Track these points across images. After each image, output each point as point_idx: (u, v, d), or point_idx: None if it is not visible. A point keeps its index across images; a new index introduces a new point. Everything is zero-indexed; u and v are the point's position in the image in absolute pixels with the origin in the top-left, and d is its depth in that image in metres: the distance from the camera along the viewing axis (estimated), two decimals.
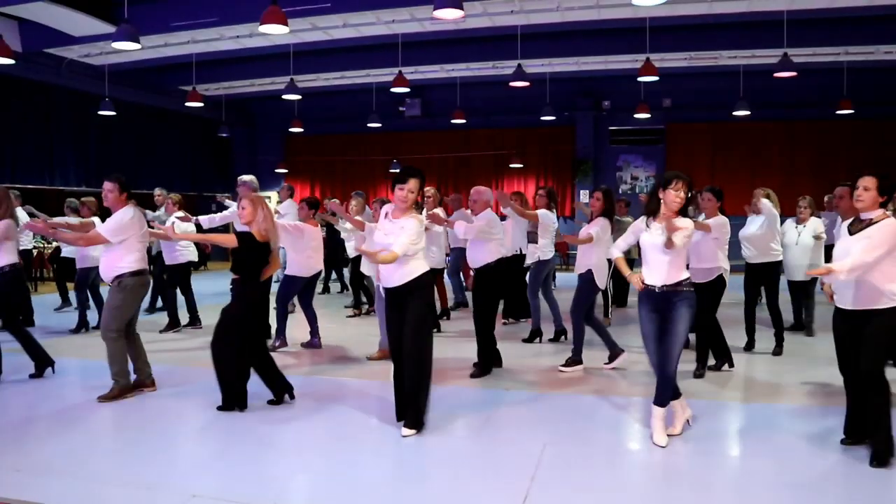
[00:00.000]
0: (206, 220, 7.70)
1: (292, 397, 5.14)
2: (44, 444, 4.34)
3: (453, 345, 7.41)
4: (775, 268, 6.97)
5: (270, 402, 5.06)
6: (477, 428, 4.60)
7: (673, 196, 4.21)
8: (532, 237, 7.73)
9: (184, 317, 8.35)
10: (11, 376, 5.85)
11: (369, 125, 15.52)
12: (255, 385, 5.03)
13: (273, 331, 7.14)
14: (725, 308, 9.51)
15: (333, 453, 4.18)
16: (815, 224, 7.40)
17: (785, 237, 7.26)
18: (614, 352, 6.26)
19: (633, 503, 3.54)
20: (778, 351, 6.83)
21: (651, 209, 4.38)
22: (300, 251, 6.96)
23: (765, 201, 6.73)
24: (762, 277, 6.98)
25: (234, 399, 4.90)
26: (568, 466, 3.94)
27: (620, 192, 16.43)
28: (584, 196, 16.64)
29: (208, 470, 4.02)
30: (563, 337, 7.43)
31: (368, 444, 4.36)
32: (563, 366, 6.20)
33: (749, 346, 6.99)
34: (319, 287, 11.64)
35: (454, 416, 4.82)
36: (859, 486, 3.69)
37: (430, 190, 8.07)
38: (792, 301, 8.11)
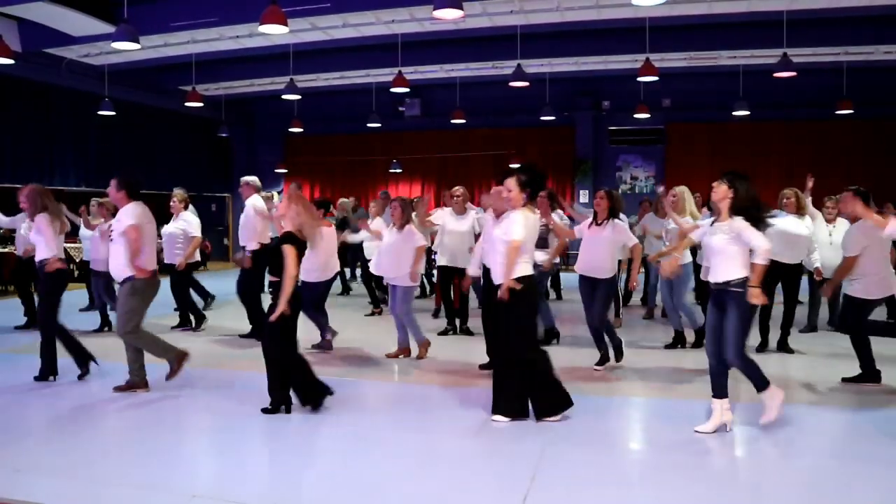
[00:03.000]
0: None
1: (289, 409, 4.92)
2: (44, 444, 4.34)
3: (457, 345, 7.42)
4: (801, 269, 6.98)
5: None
6: (477, 428, 4.60)
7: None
8: (543, 243, 7.65)
9: (176, 318, 8.39)
10: (11, 377, 5.85)
11: (369, 125, 15.51)
12: (255, 387, 5.03)
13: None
14: None
15: (333, 453, 4.18)
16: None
17: (816, 236, 7.29)
18: (605, 355, 6.24)
19: (633, 503, 3.54)
20: (790, 350, 6.86)
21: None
22: (317, 255, 6.80)
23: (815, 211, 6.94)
24: (787, 277, 6.93)
25: (316, 395, 4.82)
26: (568, 466, 3.94)
27: (620, 191, 16.42)
28: (583, 196, 16.65)
29: (208, 470, 4.02)
30: (554, 340, 7.34)
31: (368, 444, 4.36)
32: (597, 364, 6.24)
33: (762, 347, 6.90)
34: (339, 288, 11.60)
35: (454, 416, 4.82)
36: (866, 486, 3.69)
37: (459, 189, 7.92)
38: (811, 300, 8.18)
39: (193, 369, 6.09)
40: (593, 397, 5.38)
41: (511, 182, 4.67)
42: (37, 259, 5.74)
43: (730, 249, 4.35)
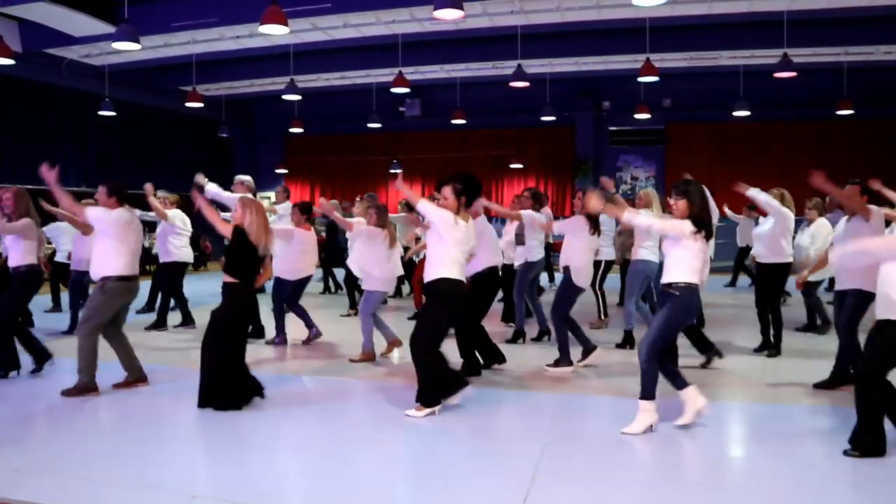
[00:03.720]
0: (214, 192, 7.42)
1: (262, 397, 5.09)
2: (44, 444, 4.34)
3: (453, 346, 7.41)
4: (785, 269, 6.91)
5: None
6: (477, 428, 4.60)
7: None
8: (519, 239, 7.64)
9: (174, 317, 8.38)
10: (12, 375, 5.85)
11: (369, 125, 15.52)
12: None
13: (273, 329, 7.26)
14: (725, 308, 9.59)
15: (333, 453, 4.18)
16: (823, 227, 7.39)
17: (798, 238, 7.21)
18: (587, 348, 6.23)
19: (633, 503, 3.54)
20: (774, 353, 6.69)
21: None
22: (286, 255, 6.99)
23: (774, 202, 6.68)
24: (771, 277, 6.88)
25: (212, 397, 4.89)
26: (568, 466, 3.94)
27: (620, 192, 16.42)
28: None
29: (208, 470, 4.02)
30: (546, 337, 7.35)
31: (368, 445, 4.35)
32: (550, 365, 6.17)
33: (763, 347, 6.81)
34: (320, 287, 11.66)
35: (454, 417, 4.82)
36: (864, 486, 3.69)
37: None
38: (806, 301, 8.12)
39: (192, 369, 6.09)
40: (593, 397, 5.38)
41: (447, 190, 4.87)
42: (11, 264, 5.78)
43: (674, 253, 4.42)
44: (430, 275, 4.85)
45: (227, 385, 4.89)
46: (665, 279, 4.46)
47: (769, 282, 6.88)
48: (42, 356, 5.93)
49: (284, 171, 18.93)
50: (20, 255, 5.73)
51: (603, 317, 8.52)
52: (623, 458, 4.18)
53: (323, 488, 3.71)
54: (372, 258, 6.53)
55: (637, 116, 14.13)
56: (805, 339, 7.62)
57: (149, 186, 7.43)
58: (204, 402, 4.88)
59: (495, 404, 5.14)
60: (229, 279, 4.96)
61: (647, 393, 4.41)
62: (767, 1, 10.24)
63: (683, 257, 4.38)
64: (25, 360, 5.91)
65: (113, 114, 13.14)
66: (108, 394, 5.37)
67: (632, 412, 4.79)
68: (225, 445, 4.35)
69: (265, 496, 3.54)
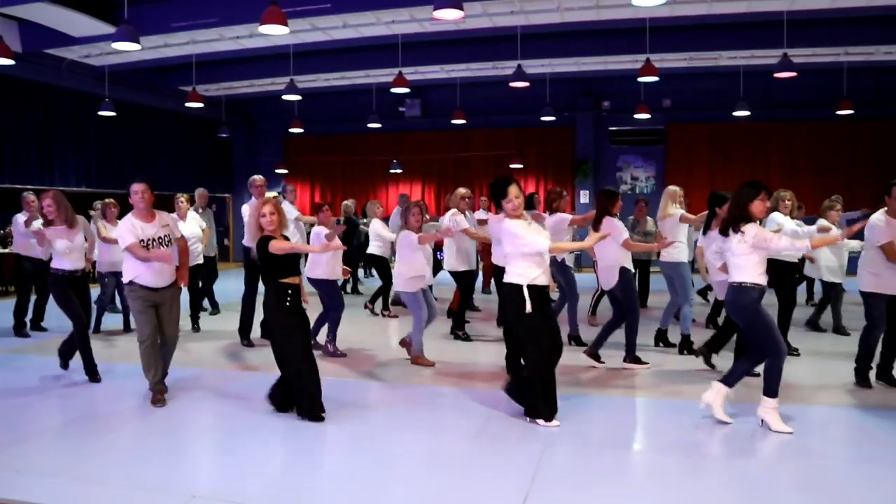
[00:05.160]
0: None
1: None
2: (44, 444, 4.35)
3: (457, 347, 7.41)
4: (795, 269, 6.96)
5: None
6: (477, 428, 4.60)
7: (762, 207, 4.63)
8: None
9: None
10: (13, 377, 5.85)
11: (369, 126, 15.51)
12: (254, 388, 5.03)
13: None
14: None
15: (333, 454, 4.18)
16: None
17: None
18: (596, 351, 6.38)
19: (633, 503, 3.54)
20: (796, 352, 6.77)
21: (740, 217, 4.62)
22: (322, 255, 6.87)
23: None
24: (791, 276, 6.87)
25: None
26: (568, 467, 3.94)
27: (620, 192, 16.40)
28: (584, 197, 16.64)
29: (208, 470, 4.02)
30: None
31: (369, 445, 4.36)
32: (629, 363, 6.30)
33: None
34: (347, 288, 11.74)
35: (455, 417, 4.82)
36: (867, 488, 3.69)
37: (464, 191, 7.71)
38: (827, 303, 8.11)
39: (192, 370, 6.10)
40: (593, 397, 5.38)
41: (518, 189, 4.62)
42: (75, 267, 5.78)
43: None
44: None
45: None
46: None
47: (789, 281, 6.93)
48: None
49: (284, 171, 18.91)
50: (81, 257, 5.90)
51: (593, 313, 8.68)
52: (623, 459, 4.18)
53: (322, 488, 3.71)
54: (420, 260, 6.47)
55: (637, 116, 14.12)
56: (817, 339, 7.62)
57: None
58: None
59: (496, 404, 5.14)
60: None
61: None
62: (767, 1, 10.23)
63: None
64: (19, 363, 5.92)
65: (113, 114, 13.13)
66: (108, 396, 5.37)
67: (632, 412, 4.81)
68: (225, 446, 4.35)
69: (265, 497, 3.54)
